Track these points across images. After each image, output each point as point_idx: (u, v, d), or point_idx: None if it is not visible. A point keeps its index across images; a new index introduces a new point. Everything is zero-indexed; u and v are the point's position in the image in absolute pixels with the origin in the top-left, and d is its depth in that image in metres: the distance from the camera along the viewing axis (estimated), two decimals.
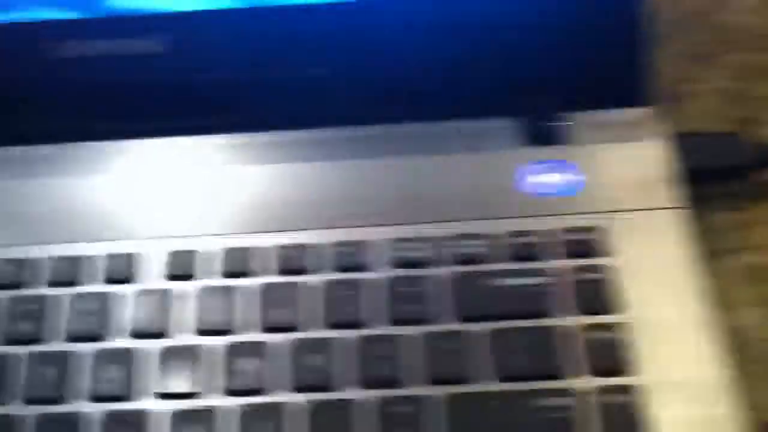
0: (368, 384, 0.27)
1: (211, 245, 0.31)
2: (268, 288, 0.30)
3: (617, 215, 0.31)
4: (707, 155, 0.33)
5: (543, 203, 0.31)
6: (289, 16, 0.33)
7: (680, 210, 0.31)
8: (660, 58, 0.37)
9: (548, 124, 0.33)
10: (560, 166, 0.32)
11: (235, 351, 0.28)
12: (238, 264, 0.30)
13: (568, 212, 0.31)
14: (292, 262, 0.30)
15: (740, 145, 0.34)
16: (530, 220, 0.31)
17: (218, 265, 0.30)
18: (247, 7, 0.33)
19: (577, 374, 0.27)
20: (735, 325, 0.30)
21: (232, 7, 0.33)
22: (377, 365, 0.28)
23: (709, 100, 0.37)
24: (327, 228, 0.31)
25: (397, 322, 0.29)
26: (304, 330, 0.29)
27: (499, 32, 0.33)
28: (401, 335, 0.28)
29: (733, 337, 0.30)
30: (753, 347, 0.30)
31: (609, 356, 0.27)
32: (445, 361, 0.28)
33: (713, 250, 0.32)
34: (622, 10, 0.33)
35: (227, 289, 0.30)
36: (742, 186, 0.34)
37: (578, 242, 0.30)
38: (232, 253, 0.30)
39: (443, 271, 0.30)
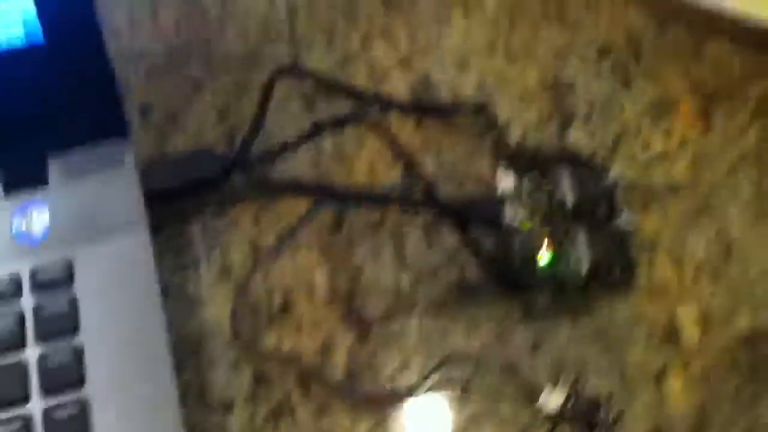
0: None
1: None
2: None
3: (85, 248, 0.36)
4: (182, 173, 0.39)
5: (22, 246, 0.36)
6: None
7: (143, 229, 0.36)
8: (148, 89, 0.42)
9: (29, 168, 0.38)
10: (34, 207, 0.37)
11: None
12: None
13: (40, 251, 0.36)
14: None
15: (212, 159, 0.40)
16: (11, 265, 0.35)
17: None
18: None
19: (31, 397, 0.32)
20: (215, 322, 0.37)
21: None
22: None
23: (198, 122, 0.43)
24: None
25: None
26: None
27: None
28: None
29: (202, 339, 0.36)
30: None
31: (61, 376, 0.32)
32: None
33: (193, 259, 0.38)
34: (91, 49, 0.36)
35: None
36: (215, 196, 0.40)
37: (42, 281, 0.35)
38: None
39: None
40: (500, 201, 0.37)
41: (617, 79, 0.44)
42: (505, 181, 0.37)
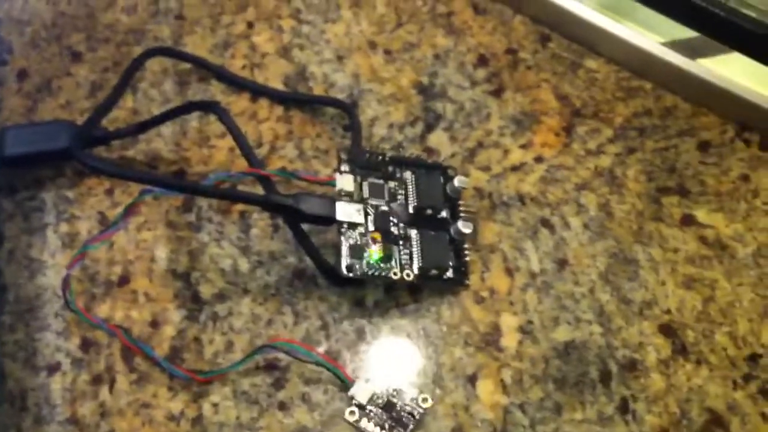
0: None
1: None
2: None
3: None
4: (43, 141, 0.42)
5: None
6: None
7: None
8: (29, 55, 0.45)
9: None
10: None
11: None
12: None
13: None
14: None
15: (70, 130, 0.42)
16: None
17: None
18: None
19: None
20: (53, 287, 0.39)
21: None
22: None
23: (71, 93, 0.45)
24: None
25: None
26: None
27: None
28: None
29: None
30: None
31: None
32: None
33: (41, 224, 0.41)
34: None
35: None
36: (72, 167, 0.43)
37: None
38: None
39: None
40: (335, 199, 0.40)
41: (489, 88, 0.47)
42: (343, 181, 0.40)
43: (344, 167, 0.41)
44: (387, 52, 0.48)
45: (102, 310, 0.39)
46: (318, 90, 0.46)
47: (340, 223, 0.39)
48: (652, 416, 0.37)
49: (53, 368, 0.38)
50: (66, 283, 0.38)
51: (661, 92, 0.46)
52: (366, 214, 0.40)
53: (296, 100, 0.46)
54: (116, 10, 0.48)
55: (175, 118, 0.43)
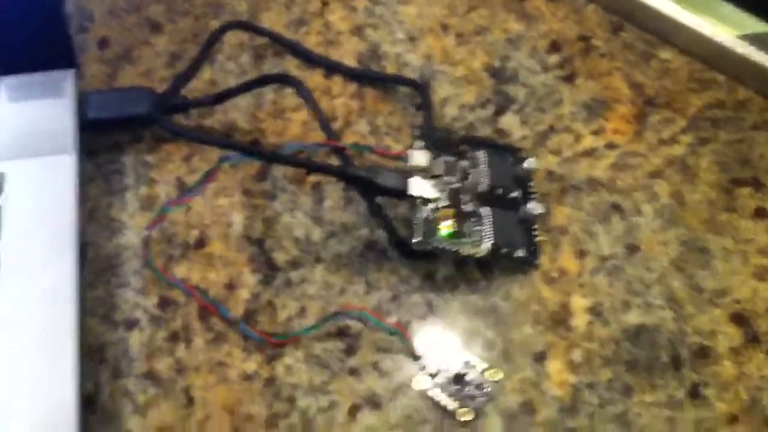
0: None
1: None
2: None
3: (17, 164, 0.39)
4: (124, 107, 0.43)
5: None
6: None
7: (71, 156, 0.40)
8: (109, 24, 0.46)
9: None
10: None
11: None
12: None
13: None
14: None
15: (150, 97, 0.44)
16: None
17: None
18: None
19: None
20: (132, 247, 0.40)
21: None
22: None
23: (150, 62, 0.46)
24: None
25: None
26: None
27: None
28: None
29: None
30: None
31: None
32: None
33: (121, 187, 0.42)
34: None
35: None
36: (152, 132, 0.44)
37: None
38: None
39: None
40: (409, 174, 0.40)
41: (561, 73, 0.48)
42: (417, 157, 0.41)
43: (418, 143, 0.41)
44: (459, 34, 0.49)
45: (179, 271, 0.40)
46: (390, 69, 0.47)
47: (414, 197, 0.40)
48: (722, 403, 0.38)
49: (131, 324, 0.39)
50: (146, 242, 0.39)
51: (735, 85, 0.47)
52: (439, 190, 0.40)
53: (369, 77, 0.47)
54: None
55: (252, 90, 0.44)
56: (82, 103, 0.42)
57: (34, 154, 0.39)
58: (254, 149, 0.40)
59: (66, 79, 0.42)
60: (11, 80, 0.42)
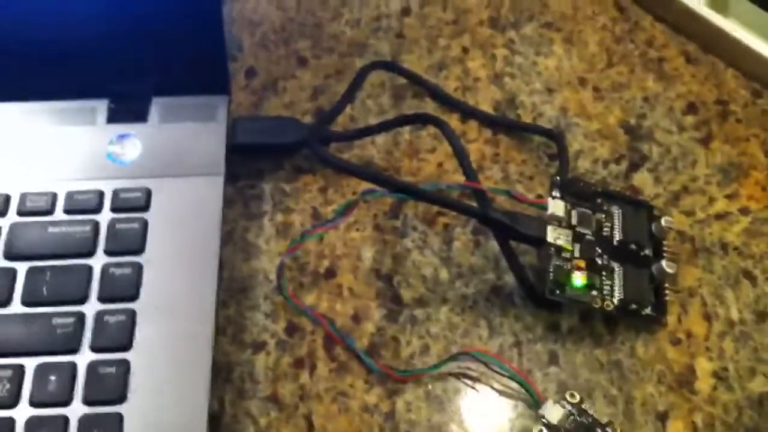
0: None
1: None
2: None
3: (164, 180, 0.41)
4: (268, 134, 0.45)
5: (113, 168, 0.42)
6: None
7: (219, 178, 0.42)
8: (258, 55, 0.48)
9: (134, 104, 0.44)
10: (130, 138, 0.43)
11: None
12: None
13: (127, 176, 0.42)
14: None
15: (298, 126, 0.45)
16: (101, 182, 0.41)
17: None
18: None
19: (89, 299, 0.38)
20: (265, 271, 0.42)
21: None
22: None
23: (295, 94, 0.48)
24: None
25: None
26: None
27: (102, 25, 0.43)
28: None
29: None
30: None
31: (118, 287, 0.38)
32: None
33: (259, 212, 0.44)
34: (206, 11, 0.42)
35: None
36: (292, 161, 0.45)
37: (122, 202, 0.41)
38: None
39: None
40: (546, 222, 0.41)
41: (697, 135, 0.48)
42: (554, 206, 0.41)
43: (555, 192, 0.42)
44: (596, 89, 0.49)
45: (308, 299, 0.41)
46: (526, 118, 0.48)
47: (549, 245, 0.40)
48: None
49: (259, 347, 0.40)
50: (281, 269, 0.40)
51: None
52: (573, 241, 0.41)
53: (505, 124, 0.48)
54: (341, 22, 0.52)
55: (391, 130, 0.46)
56: (231, 127, 0.44)
57: (183, 173, 0.41)
58: (401, 184, 0.41)
59: (219, 105, 0.44)
60: (164, 101, 0.44)
